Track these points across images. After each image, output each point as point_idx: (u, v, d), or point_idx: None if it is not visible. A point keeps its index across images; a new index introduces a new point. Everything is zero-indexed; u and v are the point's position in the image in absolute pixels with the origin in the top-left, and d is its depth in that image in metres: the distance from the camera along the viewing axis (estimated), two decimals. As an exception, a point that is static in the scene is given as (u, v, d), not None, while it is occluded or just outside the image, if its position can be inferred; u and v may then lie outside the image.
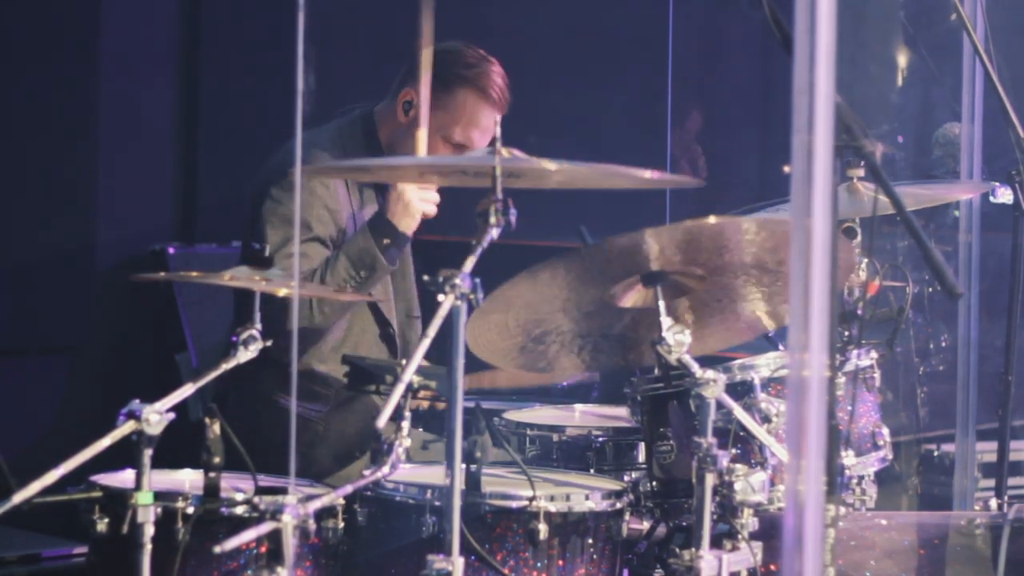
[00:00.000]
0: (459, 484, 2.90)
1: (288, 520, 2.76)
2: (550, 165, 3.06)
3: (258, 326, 3.30)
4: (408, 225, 4.05)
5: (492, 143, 3.13)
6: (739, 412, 3.41)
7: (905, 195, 3.11)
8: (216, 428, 3.08)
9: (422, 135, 4.06)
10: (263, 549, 2.95)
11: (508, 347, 3.52)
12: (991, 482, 4.66)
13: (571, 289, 3.40)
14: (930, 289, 5.90)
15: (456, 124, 4.17)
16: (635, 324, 3.58)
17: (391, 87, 4.28)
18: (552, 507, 3.34)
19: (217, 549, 2.79)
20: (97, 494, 3.21)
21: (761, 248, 3.37)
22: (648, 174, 3.18)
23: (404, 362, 2.97)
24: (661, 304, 3.33)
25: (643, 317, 3.51)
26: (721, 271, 3.45)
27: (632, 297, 3.48)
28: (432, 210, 4.07)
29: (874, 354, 3.81)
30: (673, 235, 3.35)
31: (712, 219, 3.30)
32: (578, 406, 4.34)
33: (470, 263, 2.98)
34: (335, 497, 3.16)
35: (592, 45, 6.44)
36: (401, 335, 4.29)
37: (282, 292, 3.48)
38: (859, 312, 3.71)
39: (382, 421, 2.89)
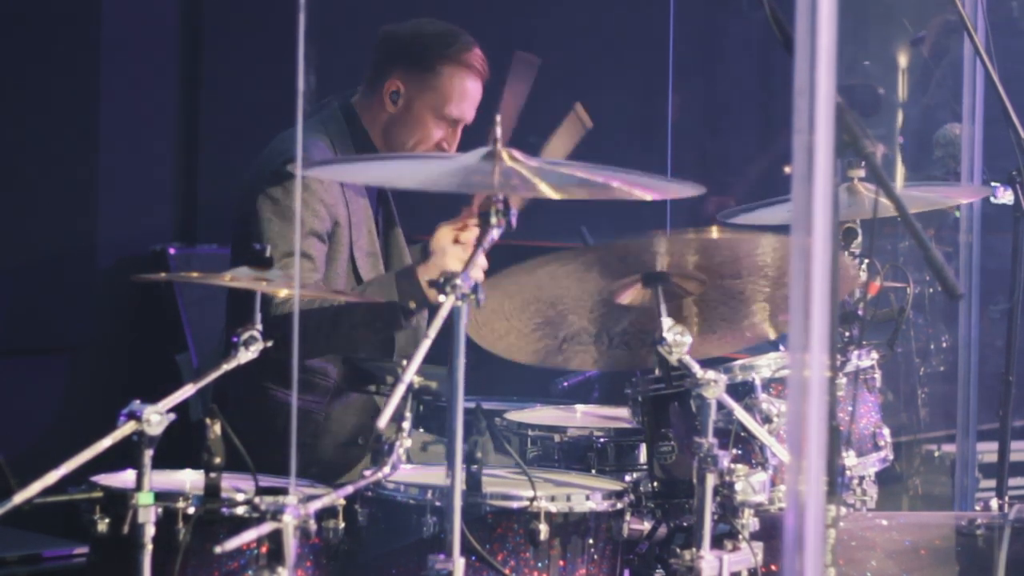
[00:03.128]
0: (460, 484, 2.90)
1: (289, 520, 2.76)
2: (552, 194, 3.06)
3: (259, 326, 3.29)
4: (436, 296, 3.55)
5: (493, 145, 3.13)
6: (740, 412, 3.41)
7: (907, 198, 3.11)
8: (217, 428, 3.08)
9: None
10: (264, 549, 2.94)
11: (517, 336, 3.52)
12: (992, 482, 4.66)
13: (573, 284, 3.40)
14: (931, 290, 5.91)
15: (448, 102, 4.19)
16: (638, 324, 3.58)
17: (365, 75, 4.29)
18: (553, 507, 3.34)
19: (218, 549, 2.79)
20: (98, 494, 3.20)
21: (774, 262, 3.37)
22: (649, 196, 3.19)
23: (404, 362, 2.97)
24: (661, 305, 3.33)
25: (646, 319, 3.51)
26: (727, 278, 3.45)
27: (630, 295, 3.48)
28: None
29: (875, 354, 3.81)
30: (686, 243, 3.36)
31: (728, 234, 3.29)
32: (579, 407, 4.34)
33: (470, 263, 2.98)
34: (336, 497, 3.16)
35: (592, 45, 6.45)
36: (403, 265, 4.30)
37: (282, 293, 3.48)
38: (860, 313, 3.71)
39: (383, 422, 2.89)
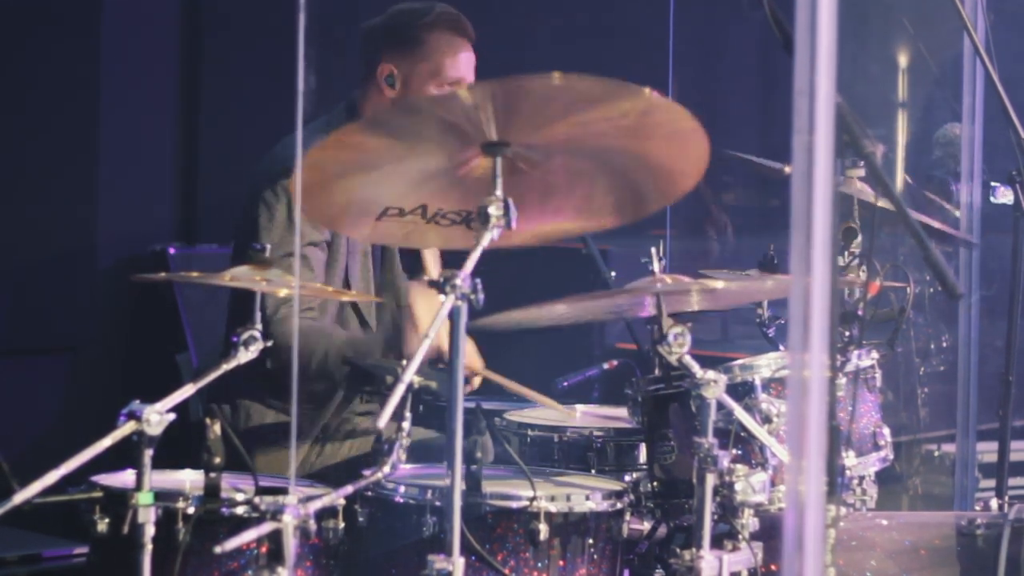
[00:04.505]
0: (459, 484, 2.90)
1: (289, 520, 2.76)
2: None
3: (258, 326, 3.29)
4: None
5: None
6: (740, 412, 3.41)
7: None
8: (217, 428, 3.08)
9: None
10: (264, 549, 2.95)
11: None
12: (991, 482, 4.66)
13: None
14: (931, 289, 5.91)
15: (443, 66, 4.20)
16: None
17: (359, 71, 4.30)
18: (553, 507, 3.34)
19: (218, 549, 2.79)
20: (98, 494, 3.20)
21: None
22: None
23: (404, 363, 2.97)
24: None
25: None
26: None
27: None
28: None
29: (875, 354, 3.81)
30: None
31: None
32: (579, 406, 4.34)
33: (470, 263, 2.97)
34: (335, 497, 3.16)
35: (592, 45, 6.45)
36: (394, 324, 4.29)
37: (282, 292, 3.48)
38: (860, 312, 3.71)
39: (382, 421, 2.88)
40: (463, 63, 4.23)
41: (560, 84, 3.00)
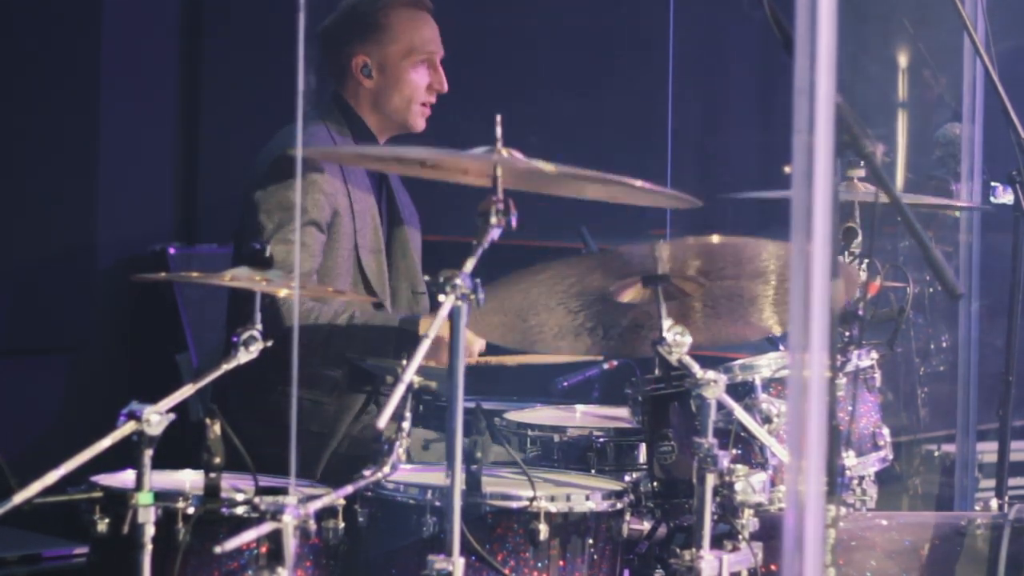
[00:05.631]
0: (459, 484, 2.90)
1: (288, 520, 2.76)
2: (547, 167, 3.06)
3: (258, 326, 3.29)
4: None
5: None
6: (740, 413, 3.41)
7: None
8: (216, 428, 3.08)
9: None
10: (264, 549, 2.94)
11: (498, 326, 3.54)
12: (991, 482, 4.66)
13: (571, 284, 3.41)
14: (931, 289, 5.91)
15: (412, 45, 4.25)
16: (636, 319, 3.59)
17: (332, 70, 4.31)
18: (553, 507, 3.34)
19: (217, 549, 2.79)
20: (98, 494, 3.20)
21: (776, 268, 3.38)
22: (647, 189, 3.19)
23: (404, 362, 2.97)
24: (662, 306, 3.34)
25: (644, 315, 3.51)
26: (727, 279, 3.46)
27: (630, 295, 3.48)
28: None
29: (875, 354, 3.81)
30: (687, 248, 3.37)
31: (728, 239, 3.29)
32: (579, 406, 4.34)
33: (471, 263, 2.98)
34: (335, 497, 3.16)
35: (592, 46, 6.44)
36: (410, 310, 4.30)
37: (282, 292, 3.48)
38: (860, 312, 3.71)
39: (382, 421, 2.89)
40: (430, 38, 4.28)
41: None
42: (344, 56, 4.27)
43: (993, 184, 4.46)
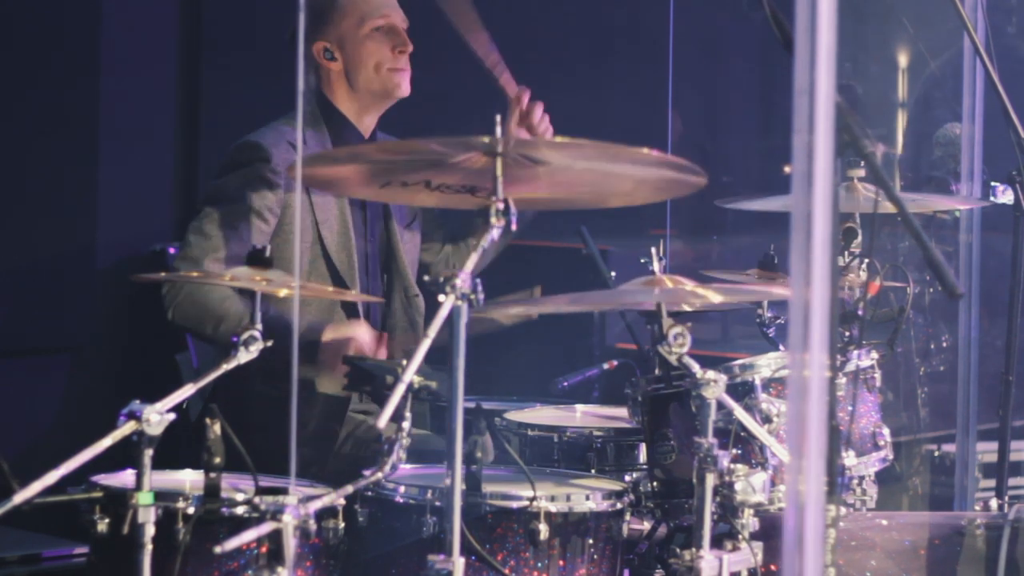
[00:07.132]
0: (459, 484, 2.90)
1: (289, 520, 2.76)
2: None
3: (258, 326, 3.30)
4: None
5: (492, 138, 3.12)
6: (740, 412, 3.41)
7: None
8: (216, 428, 3.08)
9: None
10: (264, 549, 2.95)
11: None
12: (991, 482, 4.66)
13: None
14: (931, 289, 5.91)
15: (367, 17, 4.25)
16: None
17: (309, 69, 4.33)
18: (553, 507, 3.34)
19: (218, 549, 2.79)
20: (98, 494, 3.20)
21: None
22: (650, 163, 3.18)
23: (404, 362, 2.97)
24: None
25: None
26: None
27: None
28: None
29: (875, 354, 3.81)
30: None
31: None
32: (579, 406, 4.34)
33: (471, 263, 2.98)
34: (335, 497, 3.16)
35: (592, 45, 6.45)
36: (404, 313, 4.30)
37: (282, 292, 3.48)
38: (860, 312, 3.71)
39: (382, 422, 2.89)
40: (387, 7, 4.28)
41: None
42: (310, 50, 4.28)
43: (993, 184, 4.46)
